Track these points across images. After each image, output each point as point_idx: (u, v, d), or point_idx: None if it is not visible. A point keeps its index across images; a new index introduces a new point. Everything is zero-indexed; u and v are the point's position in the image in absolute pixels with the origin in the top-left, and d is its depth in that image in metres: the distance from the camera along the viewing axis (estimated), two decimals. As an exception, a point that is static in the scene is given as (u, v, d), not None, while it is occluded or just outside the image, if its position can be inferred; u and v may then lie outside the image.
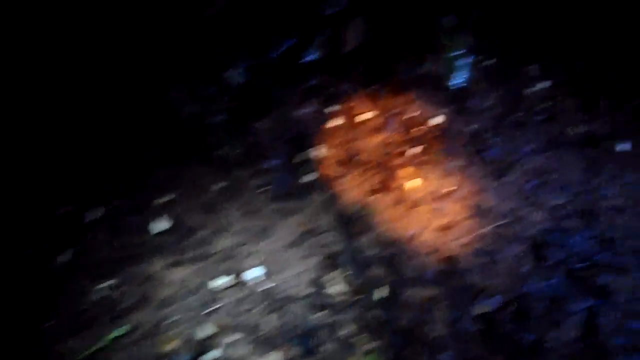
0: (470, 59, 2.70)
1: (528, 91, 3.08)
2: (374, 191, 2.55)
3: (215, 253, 2.31)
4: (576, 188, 2.72)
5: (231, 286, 2.24)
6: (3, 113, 2.24)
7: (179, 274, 2.24)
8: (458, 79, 2.72)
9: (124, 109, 2.42)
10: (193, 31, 2.48)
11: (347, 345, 2.11)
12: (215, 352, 2.07)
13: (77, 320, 2.12)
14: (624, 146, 2.88)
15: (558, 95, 3.08)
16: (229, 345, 2.08)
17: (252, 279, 2.26)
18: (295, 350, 2.09)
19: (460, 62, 2.72)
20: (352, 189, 2.54)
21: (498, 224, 2.52)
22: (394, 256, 2.38)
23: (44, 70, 2.36)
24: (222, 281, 2.22)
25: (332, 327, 2.15)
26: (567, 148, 2.86)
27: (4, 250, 2.18)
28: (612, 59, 3.15)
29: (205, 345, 2.09)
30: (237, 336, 2.10)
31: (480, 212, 2.55)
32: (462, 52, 2.75)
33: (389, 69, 2.90)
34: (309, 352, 2.09)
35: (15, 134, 2.36)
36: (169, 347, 2.05)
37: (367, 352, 2.09)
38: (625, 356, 2.18)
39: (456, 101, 2.96)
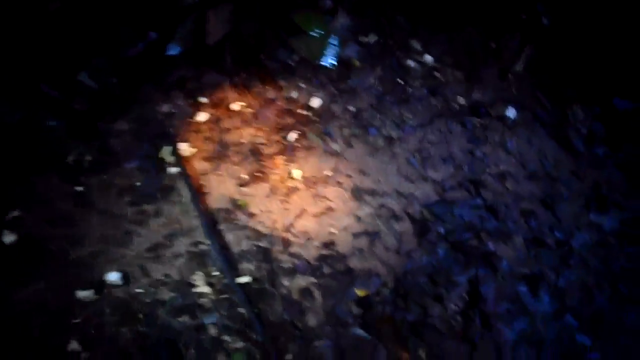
0: (337, 39, 2.59)
1: (410, 66, 3.00)
2: (246, 183, 2.42)
3: (71, 264, 2.10)
4: (461, 159, 2.68)
5: (89, 297, 2.02)
6: None
7: (19, 295, 2.02)
8: (328, 58, 2.61)
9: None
10: (36, 28, 2.29)
11: (213, 347, 1.95)
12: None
13: None
14: (508, 113, 2.83)
15: (440, 68, 3.03)
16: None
17: (112, 287, 2.05)
18: (156, 360, 1.90)
19: (329, 42, 2.61)
20: (223, 183, 2.41)
21: (379, 203, 2.41)
22: (269, 248, 2.22)
23: None
24: (82, 294, 2.02)
25: (198, 329, 1.99)
26: (451, 120, 2.83)
27: None
28: (493, 28, 3.11)
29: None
30: (86, 355, 1.90)
31: (360, 193, 2.45)
32: (328, 32, 2.64)
33: (257, 57, 2.78)
34: (172, 359, 1.91)
35: None
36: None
37: (235, 352, 1.92)
38: (508, 322, 2.09)
39: (335, 82, 2.87)
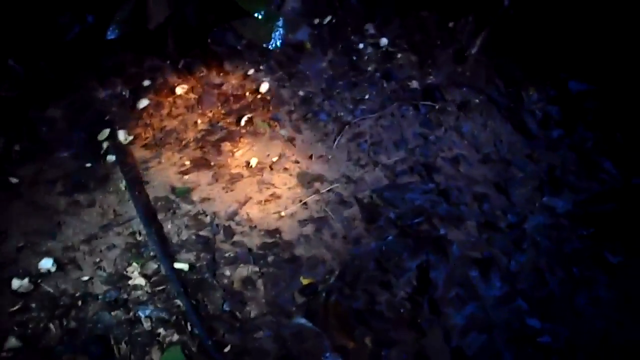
0: (283, 22, 2.50)
1: (363, 50, 2.93)
2: (188, 170, 2.32)
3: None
4: (413, 143, 2.62)
5: (8, 295, 1.90)
6: None
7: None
8: (276, 42, 2.51)
9: None
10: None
11: (147, 341, 1.84)
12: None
13: None
14: (461, 97, 2.78)
15: (394, 52, 2.96)
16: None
17: (41, 282, 1.94)
18: (84, 357, 1.79)
19: (276, 25, 2.52)
20: (163, 171, 2.31)
21: (326, 189, 2.33)
22: (210, 237, 2.12)
23: None
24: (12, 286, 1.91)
25: (129, 324, 1.88)
26: (404, 104, 2.76)
27: None
28: (448, 10, 3.05)
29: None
30: (5, 354, 1.78)
31: (307, 180, 2.37)
32: (274, 14, 2.55)
33: (202, 41, 2.67)
34: (101, 356, 1.80)
35: None
36: None
37: (169, 345, 1.82)
38: (457, 307, 2.02)
39: (284, 67, 2.79)
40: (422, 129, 2.71)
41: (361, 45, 3.02)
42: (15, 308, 1.93)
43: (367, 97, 2.79)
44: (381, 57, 2.99)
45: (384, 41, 3.05)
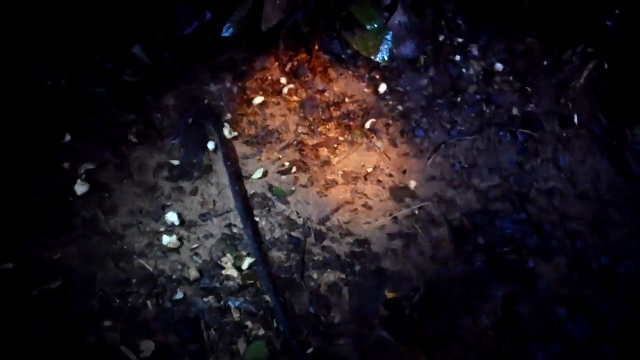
0: (391, 36, 2.53)
1: (465, 71, 2.91)
2: (286, 171, 2.38)
3: (100, 234, 2.10)
4: (508, 170, 2.59)
5: (112, 268, 2.03)
6: None
7: (50, 255, 2.04)
8: (383, 55, 2.55)
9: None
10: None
11: (235, 331, 1.92)
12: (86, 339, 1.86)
13: None
14: (562, 128, 2.72)
15: (496, 76, 2.92)
16: (99, 330, 1.87)
17: (140, 260, 2.05)
18: (175, 338, 1.88)
19: (385, 38, 2.55)
20: (262, 168, 2.36)
21: (417, 206, 2.34)
22: (301, 239, 2.19)
23: None
24: (107, 265, 2.03)
25: (219, 312, 1.97)
26: (502, 130, 2.73)
27: None
28: (556, 38, 2.99)
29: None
30: (107, 322, 1.90)
31: (399, 194, 2.38)
32: (385, 28, 2.58)
33: (310, 46, 2.74)
34: (190, 339, 1.88)
35: None
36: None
37: (254, 339, 1.89)
38: (542, 345, 1.99)
39: (386, 80, 2.80)
40: (518, 157, 2.67)
41: (463, 66, 3.01)
42: (118, 280, 2.04)
43: (465, 118, 2.78)
44: (483, 80, 2.97)
45: (485, 64, 3.02)
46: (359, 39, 2.64)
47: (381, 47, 2.61)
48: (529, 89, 2.95)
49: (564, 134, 2.76)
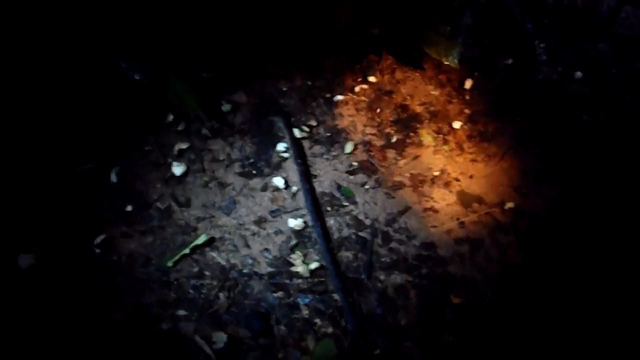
0: (461, 40, 2.50)
1: (534, 76, 2.85)
2: (354, 171, 2.38)
3: (175, 225, 2.15)
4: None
5: (187, 260, 2.06)
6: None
7: (128, 245, 2.09)
8: (454, 58, 2.52)
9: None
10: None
11: (304, 328, 1.93)
12: (161, 326, 1.90)
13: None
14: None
15: (563, 81, 2.84)
16: (172, 320, 1.91)
17: (213, 254, 2.08)
18: (246, 331, 1.90)
19: (456, 41, 2.52)
20: (331, 168, 2.36)
21: (485, 212, 2.31)
22: (369, 239, 2.18)
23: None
24: (178, 256, 2.06)
25: (289, 308, 1.98)
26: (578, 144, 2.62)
27: None
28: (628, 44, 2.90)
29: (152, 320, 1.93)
30: (182, 312, 1.93)
31: (466, 199, 2.34)
32: (458, 31, 2.55)
33: (379, 48, 2.72)
34: (261, 333, 1.90)
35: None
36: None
37: (323, 336, 1.90)
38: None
39: (454, 82, 2.76)
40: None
41: (533, 70, 2.94)
42: (192, 271, 2.08)
43: (534, 126, 2.72)
44: (553, 86, 2.89)
45: (559, 69, 2.95)
46: (430, 42, 2.61)
47: (452, 51, 2.58)
48: (598, 93, 2.87)
49: None
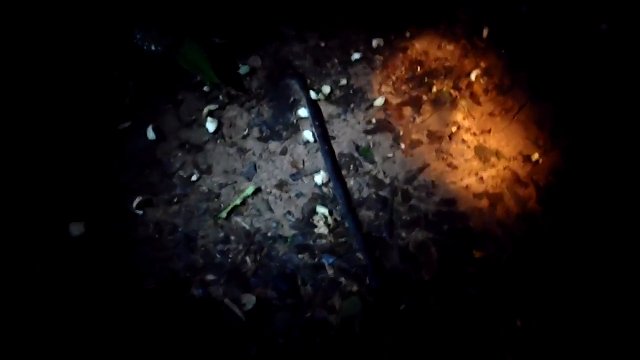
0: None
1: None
2: (371, 131, 2.37)
3: (199, 193, 2.16)
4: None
5: (212, 226, 2.09)
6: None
7: (155, 214, 2.11)
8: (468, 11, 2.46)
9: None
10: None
11: (330, 288, 1.96)
12: (192, 292, 1.95)
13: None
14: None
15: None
16: (202, 285, 1.96)
17: (237, 219, 2.11)
18: (273, 292, 1.94)
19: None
20: (349, 128, 2.36)
21: (503, 166, 2.29)
22: (389, 198, 2.18)
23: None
24: (205, 222, 2.09)
25: (314, 269, 2.02)
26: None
27: None
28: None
29: (183, 285, 1.97)
30: (211, 277, 1.97)
31: (484, 154, 2.33)
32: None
33: (391, 5, 2.66)
34: (288, 293, 1.94)
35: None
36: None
37: (349, 295, 1.93)
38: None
39: (470, 36, 2.70)
40: (606, 115, 2.56)
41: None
42: (218, 237, 2.11)
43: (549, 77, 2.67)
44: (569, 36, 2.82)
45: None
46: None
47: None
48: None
49: None
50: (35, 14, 2.15)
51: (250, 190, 2.18)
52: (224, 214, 2.12)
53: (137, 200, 2.14)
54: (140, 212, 2.14)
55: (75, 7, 2.17)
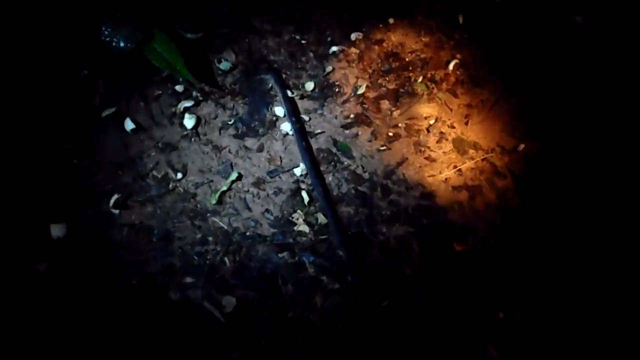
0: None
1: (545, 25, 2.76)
2: (348, 125, 2.32)
3: (173, 192, 2.09)
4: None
5: (189, 226, 2.02)
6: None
7: (129, 215, 2.03)
8: None
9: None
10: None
11: (311, 286, 1.92)
12: (170, 295, 1.88)
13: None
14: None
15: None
16: (180, 288, 1.89)
17: (214, 218, 2.04)
18: (254, 293, 1.89)
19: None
20: (325, 123, 2.30)
21: (481, 158, 2.27)
22: (368, 193, 2.14)
23: None
24: (182, 223, 2.02)
25: (295, 268, 1.97)
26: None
27: None
28: None
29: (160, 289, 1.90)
30: (189, 279, 1.91)
31: (462, 146, 2.31)
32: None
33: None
34: (269, 294, 1.89)
35: None
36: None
37: (330, 293, 1.89)
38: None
39: (445, 29, 2.67)
40: (580, 105, 2.56)
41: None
42: (195, 238, 2.05)
43: (525, 67, 2.65)
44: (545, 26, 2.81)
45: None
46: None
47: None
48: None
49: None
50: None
51: (234, 175, 2.15)
52: (213, 200, 2.07)
53: (114, 198, 2.06)
54: (117, 212, 2.06)
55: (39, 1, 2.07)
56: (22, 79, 2.26)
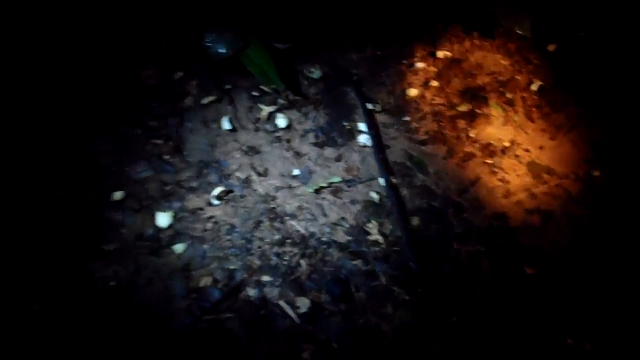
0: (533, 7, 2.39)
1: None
2: (424, 141, 2.35)
3: (254, 196, 2.16)
4: (647, 151, 2.40)
5: (268, 227, 2.08)
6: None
7: (213, 212, 2.11)
8: (525, 26, 2.42)
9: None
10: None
11: (383, 295, 1.95)
12: (247, 292, 1.94)
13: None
14: None
15: None
16: (257, 285, 1.95)
17: (292, 222, 2.10)
18: (327, 296, 1.93)
19: (527, 9, 2.41)
20: (402, 138, 2.34)
21: (555, 183, 2.26)
22: (441, 209, 2.16)
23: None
24: (263, 224, 2.08)
25: (367, 276, 2.00)
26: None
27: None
28: None
29: (239, 285, 1.97)
30: (266, 278, 1.97)
31: (536, 170, 2.30)
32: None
33: (449, 16, 2.63)
34: (341, 298, 1.93)
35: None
36: (202, 283, 1.94)
37: (401, 303, 1.92)
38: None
39: (525, 52, 2.66)
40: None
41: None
42: (273, 239, 2.11)
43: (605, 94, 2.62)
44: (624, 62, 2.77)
45: None
46: (502, 8, 2.51)
47: (525, 19, 2.48)
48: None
49: None
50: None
51: (336, 179, 2.24)
52: (310, 189, 2.19)
53: (217, 190, 2.15)
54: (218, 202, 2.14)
55: (143, 9, 2.18)
56: (120, 79, 2.39)
